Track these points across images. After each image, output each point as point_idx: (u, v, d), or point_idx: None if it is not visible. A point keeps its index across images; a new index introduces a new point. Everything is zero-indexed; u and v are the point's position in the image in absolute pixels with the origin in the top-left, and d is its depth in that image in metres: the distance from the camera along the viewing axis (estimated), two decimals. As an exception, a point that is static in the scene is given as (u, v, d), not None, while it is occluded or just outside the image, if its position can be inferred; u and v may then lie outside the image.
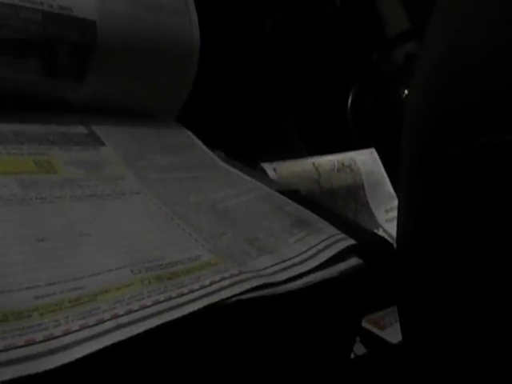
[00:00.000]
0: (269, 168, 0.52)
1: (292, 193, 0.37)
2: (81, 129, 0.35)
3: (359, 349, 0.45)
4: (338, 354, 0.34)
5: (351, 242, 0.30)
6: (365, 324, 0.47)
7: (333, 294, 0.28)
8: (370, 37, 0.80)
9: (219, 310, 0.23)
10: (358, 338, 0.45)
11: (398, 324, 0.33)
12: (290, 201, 0.34)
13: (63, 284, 0.21)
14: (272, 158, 0.55)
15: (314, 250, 0.28)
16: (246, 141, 0.60)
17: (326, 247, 0.29)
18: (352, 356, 0.43)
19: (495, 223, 0.24)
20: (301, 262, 0.27)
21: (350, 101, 0.81)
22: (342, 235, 0.30)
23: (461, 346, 0.28)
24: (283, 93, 0.74)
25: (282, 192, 0.36)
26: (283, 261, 0.27)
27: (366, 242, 0.32)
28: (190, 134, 0.42)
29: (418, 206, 0.28)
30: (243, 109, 0.64)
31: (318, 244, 0.29)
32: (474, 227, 0.25)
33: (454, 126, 0.24)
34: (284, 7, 0.80)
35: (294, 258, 0.28)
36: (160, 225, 0.28)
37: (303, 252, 0.28)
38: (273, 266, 0.27)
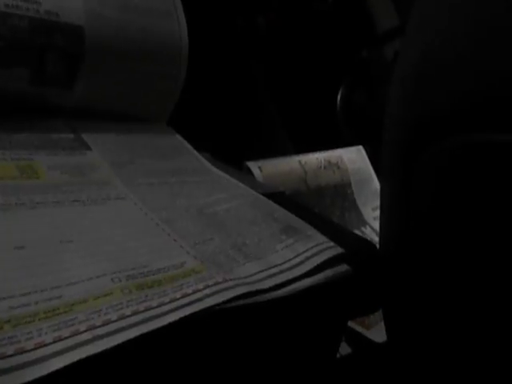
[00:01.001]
0: (254, 167, 0.51)
1: (277, 195, 0.37)
2: (68, 134, 0.34)
3: (344, 348, 0.45)
4: (324, 357, 0.34)
5: (339, 250, 0.29)
6: (350, 323, 0.47)
7: (319, 299, 0.28)
8: (360, 34, 0.80)
9: (206, 316, 0.22)
10: (343, 338, 0.45)
11: (383, 323, 0.33)
12: (279, 207, 0.34)
13: (40, 294, 0.21)
14: (258, 156, 0.54)
15: (301, 257, 0.28)
16: (232, 138, 0.60)
17: (314, 255, 0.29)
18: (337, 356, 0.43)
19: (477, 221, 0.24)
20: (288, 269, 0.27)
21: (339, 98, 0.80)
22: (331, 243, 0.30)
23: (444, 346, 0.28)
24: (272, 90, 0.73)
25: (267, 194, 0.35)
26: (270, 267, 0.27)
27: (350, 245, 0.31)
28: (180, 138, 0.41)
29: (400, 206, 0.28)
30: (230, 106, 0.63)
31: (306, 251, 0.29)
32: (457, 226, 0.25)
33: (435, 124, 0.24)
34: (276, 5, 0.79)
35: (281, 264, 0.27)
36: (144, 231, 0.27)
37: (291, 259, 0.28)
38: (259, 272, 0.26)
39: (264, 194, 0.35)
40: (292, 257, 0.28)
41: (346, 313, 0.32)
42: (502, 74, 0.21)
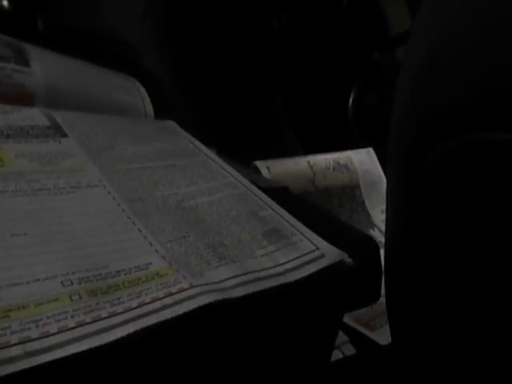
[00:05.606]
0: (262, 166, 0.51)
1: (281, 190, 0.37)
2: (42, 121, 0.31)
3: (349, 349, 0.44)
4: (319, 353, 0.32)
5: (326, 262, 0.26)
6: (355, 325, 0.47)
7: (317, 289, 0.26)
8: (373, 36, 0.80)
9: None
10: (347, 339, 0.45)
11: (388, 326, 0.33)
12: (267, 205, 0.31)
13: None
14: (266, 157, 0.54)
15: (281, 268, 0.25)
16: (240, 138, 0.60)
17: (296, 268, 0.26)
18: (341, 356, 0.43)
19: (483, 220, 0.23)
20: (265, 278, 0.24)
21: (351, 100, 0.80)
22: (317, 253, 0.27)
23: (450, 348, 0.27)
24: (283, 91, 0.73)
25: (271, 189, 0.33)
26: (245, 273, 0.24)
27: (352, 239, 0.31)
28: (172, 123, 0.39)
29: (406, 204, 0.28)
30: (239, 106, 0.64)
31: (287, 263, 0.26)
32: (463, 224, 0.24)
33: (441, 124, 0.23)
34: (289, 7, 0.79)
35: (258, 271, 0.24)
36: (113, 224, 0.24)
37: (269, 267, 0.25)
38: (232, 278, 0.23)
39: (267, 188, 0.33)
40: (271, 266, 0.25)
41: (342, 304, 0.30)
42: (507, 71, 0.21)
